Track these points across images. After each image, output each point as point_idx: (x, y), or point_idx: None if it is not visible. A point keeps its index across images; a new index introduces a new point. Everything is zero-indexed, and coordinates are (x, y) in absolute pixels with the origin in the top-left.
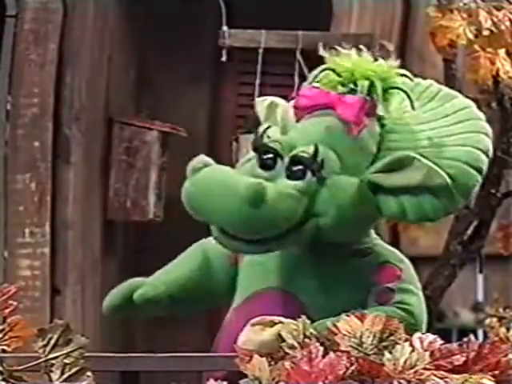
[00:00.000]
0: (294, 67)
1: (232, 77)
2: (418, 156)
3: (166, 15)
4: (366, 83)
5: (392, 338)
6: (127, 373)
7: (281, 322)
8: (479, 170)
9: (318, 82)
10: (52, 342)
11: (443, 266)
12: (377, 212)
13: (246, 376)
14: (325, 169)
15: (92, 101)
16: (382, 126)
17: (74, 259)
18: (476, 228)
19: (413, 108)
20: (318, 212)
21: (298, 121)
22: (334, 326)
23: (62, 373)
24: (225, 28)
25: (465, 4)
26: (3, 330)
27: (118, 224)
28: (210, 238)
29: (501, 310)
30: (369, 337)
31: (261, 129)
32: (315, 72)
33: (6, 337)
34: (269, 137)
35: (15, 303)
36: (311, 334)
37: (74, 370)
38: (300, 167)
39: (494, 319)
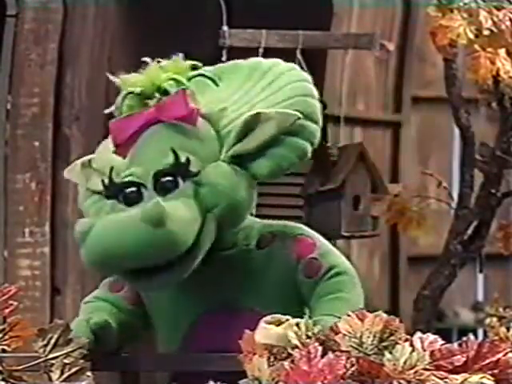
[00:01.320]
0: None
1: None
2: (260, 110)
3: (166, 15)
4: (171, 82)
5: (392, 337)
6: (127, 373)
7: (287, 320)
8: (313, 96)
9: (121, 111)
10: (52, 341)
11: (443, 266)
12: (254, 180)
13: (244, 376)
14: (191, 167)
15: (92, 101)
16: (202, 116)
17: (74, 259)
18: (476, 228)
19: (216, 85)
20: (209, 207)
21: (125, 157)
22: (335, 325)
23: (62, 373)
24: (225, 28)
25: (465, 4)
26: (3, 329)
27: None
28: (95, 292)
29: (501, 309)
30: (369, 337)
31: (105, 174)
32: (116, 104)
33: (6, 336)
34: (116, 176)
35: (15, 303)
36: (313, 334)
37: (73, 369)
38: (168, 178)
39: (494, 319)
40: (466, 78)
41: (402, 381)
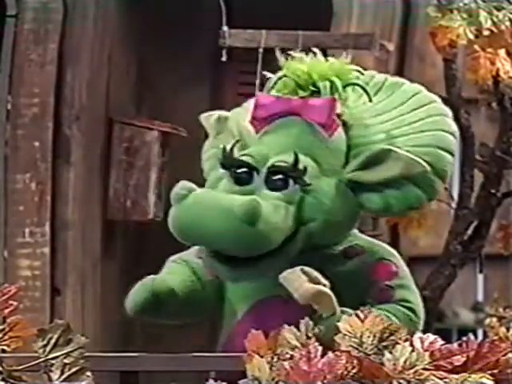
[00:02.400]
0: None
1: (232, 77)
2: (393, 148)
3: (167, 15)
4: (327, 83)
5: (392, 337)
6: (127, 373)
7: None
8: (451, 152)
9: (274, 89)
10: (52, 341)
11: (443, 266)
12: (360, 209)
13: (244, 376)
14: (307, 175)
15: (92, 101)
16: (344, 123)
17: (73, 259)
18: (476, 228)
19: (370, 100)
20: (306, 219)
21: (257, 132)
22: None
23: (62, 372)
24: (225, 28)
25: (465, 4)
26: (3, 329)
27: (118, 224)
28: (185, 253)
29: (501, 309)
30: (369, 337)
31: (228, 145)
32: (271, 80)
33: (6, 337)
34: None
35: (15, 303)
36: (313, 334)
37: (73, 369)
38: (280, 176)
39: (494, 319)
40: (465, 78)
41: (401, 380)
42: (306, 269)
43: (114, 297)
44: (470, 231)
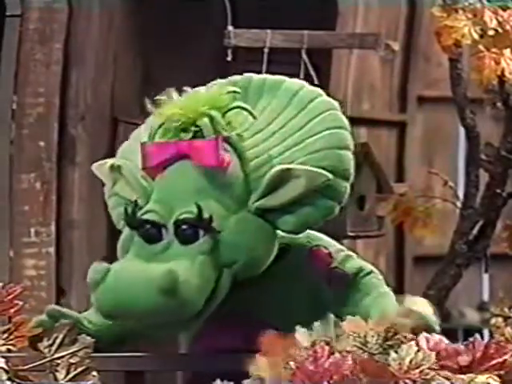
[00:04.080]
0: (300, 67)
1: None
2: (290, 166)
3: (172, 15)
4: (206, 120)
5: (397, 337)
6: (132, 372)
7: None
8: (348, 148)
9: (156, 137)
10: (57, 341)
11: (449, 266)
12: (276, 235)
13: (246, 377)
14: (214, 223)
15: (97, 100)
16: (234, 147)
17: (79, 259)
18: (481, 228)
19: (254, 117)
20: (227, 263)
21: (153, 178)
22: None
23: (68, 372)
24: (230, 28)
25: (470, 4)
26: (9, 329)
27: None
28: None
29: (506, 309)
30: (373, 336)
31: (128, 206)
32: (152, 128)
33: (12, 336)
34: (140, 209)
35: (20, 303)
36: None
37: (79, 369)
38: (189, 228)
39: (500, 319)
40: (471, 78)
41: (407, 380)
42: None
43: None
44: (475, 231)
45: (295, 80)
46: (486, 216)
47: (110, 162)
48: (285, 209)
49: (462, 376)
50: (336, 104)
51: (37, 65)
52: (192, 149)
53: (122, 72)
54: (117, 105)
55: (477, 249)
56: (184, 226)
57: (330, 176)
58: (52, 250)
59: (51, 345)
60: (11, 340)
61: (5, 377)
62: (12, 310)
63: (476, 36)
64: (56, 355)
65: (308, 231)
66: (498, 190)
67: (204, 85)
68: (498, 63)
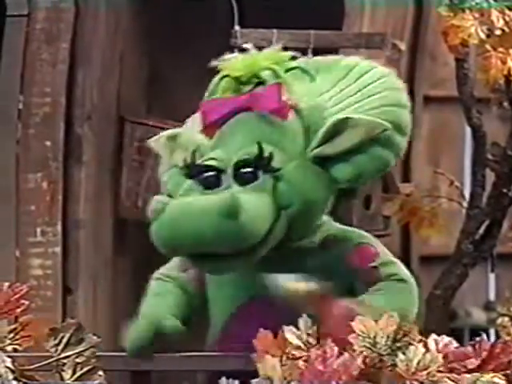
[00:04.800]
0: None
1: None
2: (349, 115)
3: (179, 14)
4: (268, 72)
5: (405, 338)
6: (139, 372)
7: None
8: (405, 107)
9: (215, 93)
10: (64, 341)
11: (455, 266)
12: (333, 184)
13: (253, 377)
14: (274, 161)
15: (104, 100)
16: (293, 108)
17: (85, 258)
18: (487, 228)
19: (313, 80)
20: (284, 205)
21: (211, 138)
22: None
23: (74, 372)
24: (237, 27)
25: (477, 3)
26: (15, 329)
27: (129, 223)
28: (168, 267)
29: None
30: (382, 337)
31: (187, 155)
32: (212, 84)
33: (18, 336)
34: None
35: (27, 302)
36: (313, 332)
37: (85, 369)
38: (248, 169)
39: (506, 318)
40: (477, 77)
41: (414, 382)
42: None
43: (126, 296)
44: (481, 231)
45: (352, 57)
46: (492, 216)
47: (166, 133)
48: (341, 158)
49: (468, 375)
50: (391, 72)
51: (43, 64)
52: (252, 98)
53: (128, 71)
54: (123, 104)
55: (483, 248)
56: (243, 169)
57: (389, 126)
58: (58, 249)
59: (57, 344)
60: (17, 340)
61: (11, 376)
62: (18, 310)
63: (483, 36)
64: (62, 355)
65: (361, 232)
66: (505, 190)
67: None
68: (504, 63)
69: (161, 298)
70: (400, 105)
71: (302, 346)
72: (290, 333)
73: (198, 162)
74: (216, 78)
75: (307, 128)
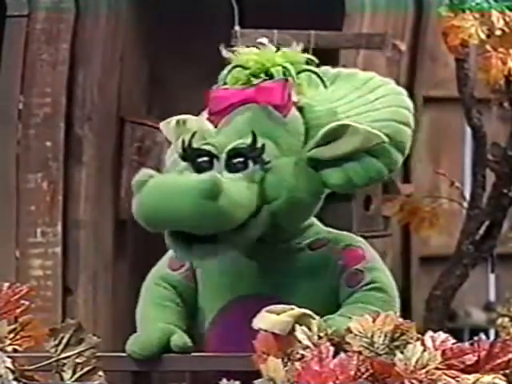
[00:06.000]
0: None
1: None
2: (351, 123)
3: (178, 15)
4: (279, 68)
5: (403, 337)
6: (139, 373)
7: (292, 309)
8: (409, 125)
9: (226, 82)
10: (64, 341)
11: (455, 266)
12: (322, 188)
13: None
14: (265, 154)
15: (104, 100)
16: (300, 109)
17: (85, 259)
18: (488, 228)
19: (325, 87)
20: (269, 198)
21: (216, 126)
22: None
23: (74, 372)
24: (237, 28)
25: (477, 4)
26: (15, 329)
27: (129, 223)
28: (159, 268)
29: None
30: (380, 336)
31: (186, 137)
32: (223, 73)
33: (18, 336)
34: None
35: (27, 303)
36: (326, 334)
37: (85, 369)
38: (240, 159)
39: (506, 319)
40: (477, 78)
41: (413, 380)
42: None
43: (125, 296)
44: (481, 231)
45: (368, 72)
46: (492, 216)
47: (175, 118)
48: (334, 163)
49: (468, 376)
50: (404, 92)
51: (43, 65)
52: (259, 90)
53: (128, 72)
54: (123, 105)
55: (483, 249)
56: (235, 160)
57: (386, 139)
58: (58, 250)
59: (58, 345)
60: (18, 340)
61: (11, 377)
62: (18, 310)
63: (483, 36)
64: (62, 355)
65: (352, 235)
66: (505, 190)
67: (211, 85)
68: (504, 63)
69: (168, 310)
70: (404, 122)
71: (312, 346)
72: (301, 333)
73: (194, 145)
74: (228, 67)
75: (309, 129)
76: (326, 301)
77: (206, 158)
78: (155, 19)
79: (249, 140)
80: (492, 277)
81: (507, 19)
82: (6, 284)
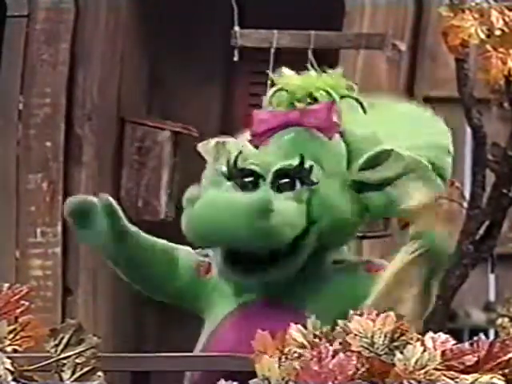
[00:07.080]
0: (306, 67)
1: (244, 77)
2: (395, 148)
3: (179, 15)
4: (324, 93)
5: (403, 337)
6: (138, 373)
7: None
8: (450, 153)
9: (269, 105)
10: (64, 341)
11: (455, 266)
12: (365, 211)
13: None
14: (312, 175)
15: (104, 101)
16: (340, 133)
17: (85, 259)
18: (488, 228)
19: (365, 112)
20: (315, 218)
21: (256, 147)
22: (345, 325)
23: (74, 372)
24: (237, 28)
25: (477, 4)
26: (15, 329)
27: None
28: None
29: None
30: (380, 337)
31: (232, 156)
32: (268, 95)
33: (18, 336)
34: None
35: (27, 303)
36: (321, 333)
37: (85, 369)
38: (287, 180)
39: (506, 319)
40: (477, 78)
41: (412, 381)
42: None
43: (125, 296)
44: (481, 231)
45: (408, 103)
46: (492, 216)
47: (215, 139)
48: (378, 188)
49: (467, 376)
50: (440, 118)
51: (43, 65)
52: (303, 114)
53: (128, 72)
54: (123, 105)
55: (483, 249)
56: (282, 180)
57: (429, 166)
58: (58, 250)
59: (57, 345)
60: (17, 340)
61: (10, 377)
62: (18, 311)
63: (483, 36)
64: (62, 355)
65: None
66: (505, 191)
67: (211, 85)
68: (504, 63)
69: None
70: (444, 149)
71: (307, 345)
72: (296, 331)
73: (240, 165)
74: (272, 90)
75: (350, 153)
76: (341, 310)
77: (251, 178)
78: (155, 19)
79: (296, 161)
80: (492, 277)
81: (507, 19)
82: (6, 284)
